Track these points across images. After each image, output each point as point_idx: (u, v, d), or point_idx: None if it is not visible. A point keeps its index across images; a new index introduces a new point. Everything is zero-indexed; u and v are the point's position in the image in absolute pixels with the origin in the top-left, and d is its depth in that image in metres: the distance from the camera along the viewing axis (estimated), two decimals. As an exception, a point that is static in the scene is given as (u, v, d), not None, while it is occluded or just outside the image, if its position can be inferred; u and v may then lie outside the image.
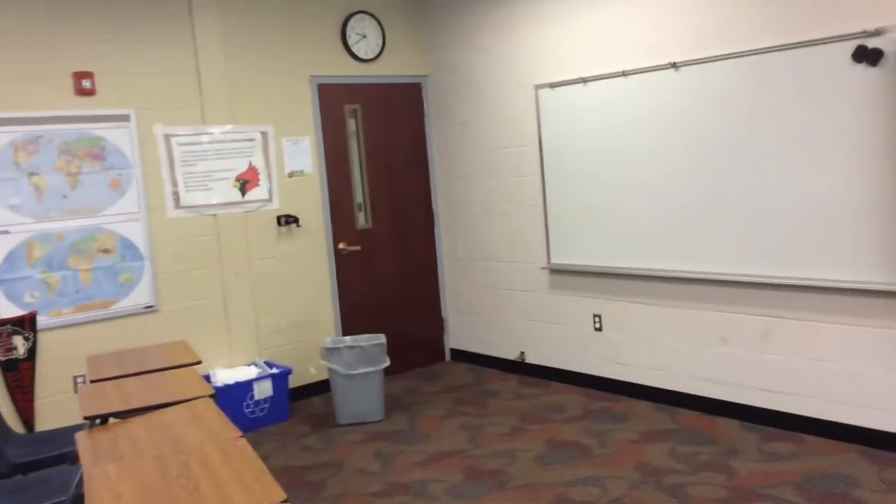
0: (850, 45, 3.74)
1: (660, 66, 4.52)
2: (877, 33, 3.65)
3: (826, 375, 4.11)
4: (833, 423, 4.10)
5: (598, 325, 5.16)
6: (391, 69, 5.92)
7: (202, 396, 3.03)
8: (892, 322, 3.84)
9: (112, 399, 3.10)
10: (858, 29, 3.71)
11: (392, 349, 5.77)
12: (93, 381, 3.41)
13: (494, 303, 5.86)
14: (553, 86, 5.13)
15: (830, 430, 4.11)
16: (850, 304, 3.97)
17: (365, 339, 4.98)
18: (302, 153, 5.49)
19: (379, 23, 5.81)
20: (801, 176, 4.01)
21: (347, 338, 5.11)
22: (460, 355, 6.20)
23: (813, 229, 4.00)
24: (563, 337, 5.40)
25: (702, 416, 4.57)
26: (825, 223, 3.95)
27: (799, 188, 4.02)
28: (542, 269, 5.44)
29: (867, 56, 3.69)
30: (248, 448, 2.45)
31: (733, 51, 4.20)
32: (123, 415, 2.93)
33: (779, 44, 4.00)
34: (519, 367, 5.73)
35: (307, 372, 5.45)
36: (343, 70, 5.68)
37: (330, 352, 4.84)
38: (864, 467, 3.73)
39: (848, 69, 3.77)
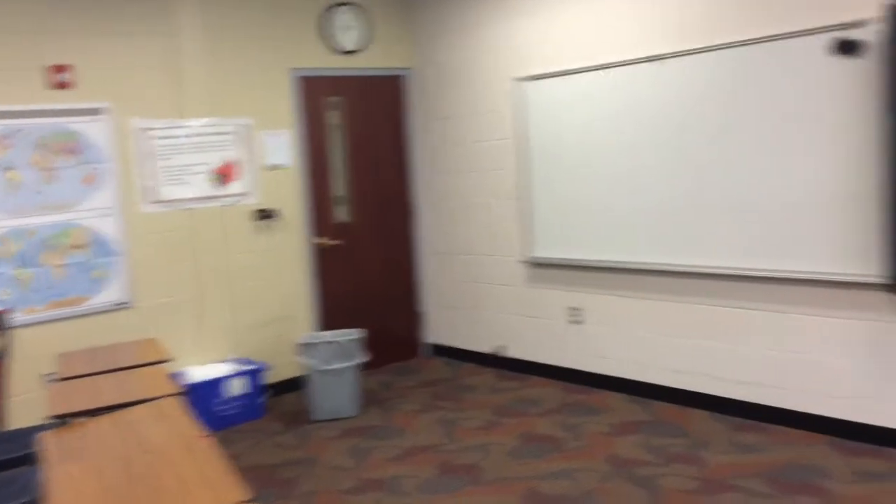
0: (830, 37, 3.77)
1: (641, 58, 4.53)
2: (856, 25, 3.68)
3: (798, 366, 4.14)
4: (805, 413, 4.14)
5: (577, 319, 5.17)
6: (375, 62, 5.89)
7: (170, 395, 3.02)
8: (862, 313, 3.88)
9: (80, 397, 3.09)
10: (838, 21, 3.74)
11: (371, 344, 5.77)
12: (63, 379, 3.40)
13: (474, 297, 5.87)
14: (535, 79, 5.12)
15: (802, 420, 4.15)
16: (823, 295, 4.00)
17: (341, 335, 4.97)
18: (282, 146, 5.46)
19: (364, 14, 5.78)
20: (781, 169, 4.03)
21: (324, 333, 5.10)
22: (440, 350, 6.20)
23: (791, 222, 4.03)
24: (541, 330, 5.41)
25: (675, 407, 4.60)
26: (803, 216, 3.98)
27: (778, 181, 4.05)
28: (523, 262, 5.45)
29: (846, 48, 3.72)
30: (214, 447, 2.45)
31: (714, 43, 4.21)
32: (90, 413, 2.91)
33: (760, 36, 4.03)
34: (498, 362, 5.74)
35: (283, 368, 5.43)
36: (326, 62, 5.65)
37: (306, 347, 4.84)
38: (834, 458, 3.77)
39: (828, 61, 3.79)
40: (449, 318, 6.09)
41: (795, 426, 4.16)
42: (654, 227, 4.59)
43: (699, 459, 3.86)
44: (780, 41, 3.95)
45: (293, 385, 5.45)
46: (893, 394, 3.83)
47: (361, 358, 4.93)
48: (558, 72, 4.97)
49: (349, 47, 5.74)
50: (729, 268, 4.29)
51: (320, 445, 4.43)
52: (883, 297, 3.80)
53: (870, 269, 3.77)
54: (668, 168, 4.48)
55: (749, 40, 4.07)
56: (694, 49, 4.30)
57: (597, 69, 4.76)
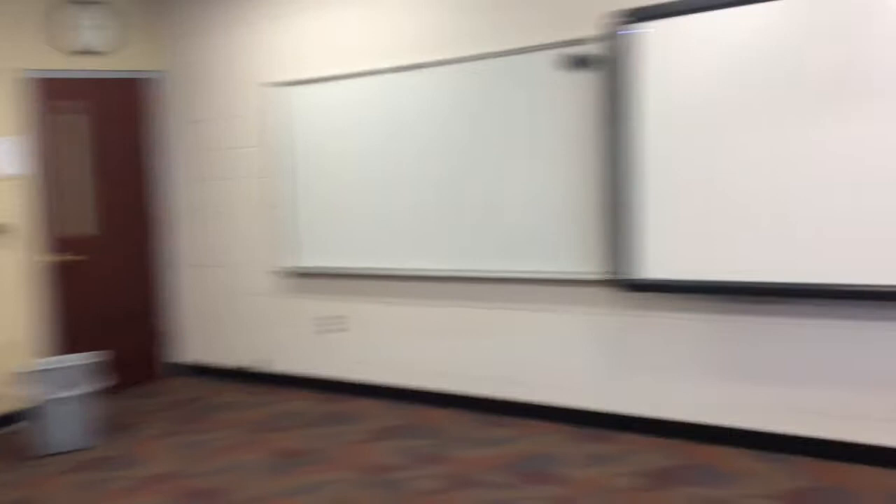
0: (558, 53, 4.03)
1: (395, 68, 4.58)
2: (581, 42, 3.97)
3: (539, 361, 4.36)
4: (547, 405, 4.36)
5: (339, 327, 5.10)
6: (125, 64, 5.45)
7: None
8: (591, 308, 4.17)
9: None
10: (566, 38, 4.01)
11: (117, 366, 5.33)
12: None
13: (233, 311, 5.61)
14: (290, 84, 5.00)
15: (545, 412, 4.37)
16: (559, 293, 4.25)
17: (75, 359, 4.52)
18: (10, 155, 4.89)
19: (113, 14, 5.33)
20: (521, 176, 4.24)
21: (55, 359, 4.61)
22: (195, 368, 5.86)
23: (529, 226, 4.25)
24: (303, 341, 5.28)
25: (431, 409, 4.67)
26: (539, 220, 4.21)
27: (519, 188, 4.25)
28: (281, 272, 5.29)
29: (573, 63, 4.00)
30: None
31: (461, 55, 4.36)
32: None
33: (500, 49, 4.23)
34: (256, 377, 5.52)
35: (6, 400, 4.84)
36: (68, 64, 5.14)
37: (32, 375, 4.34)
38: (571, 445, 4.00)
39: (558, 75, 4.04)
40: (205, 335, 5.78)
41: (539, 418, 4.38)
42: (412, 233, 4.64)
43: (448, 458, 3.92)
44: (518, 55, 4.17)
45: (18, 418, 4.87)
46: (618, 381, 4.14)
47: (99, 383, 4.51)
48: (314, 78, 4.90)
49: (96, 48, 5.27)
50: (478, 271, 4.44)
51: (44, 482, 3.97)
52: (605, 292, 4.11)
53: (595, 267, 4.06)
54: (423, 176, 4.55)
55: (491, 53, 4.26)
56: (442, 60, 4.42)
57: (353, 76, 4.75)
